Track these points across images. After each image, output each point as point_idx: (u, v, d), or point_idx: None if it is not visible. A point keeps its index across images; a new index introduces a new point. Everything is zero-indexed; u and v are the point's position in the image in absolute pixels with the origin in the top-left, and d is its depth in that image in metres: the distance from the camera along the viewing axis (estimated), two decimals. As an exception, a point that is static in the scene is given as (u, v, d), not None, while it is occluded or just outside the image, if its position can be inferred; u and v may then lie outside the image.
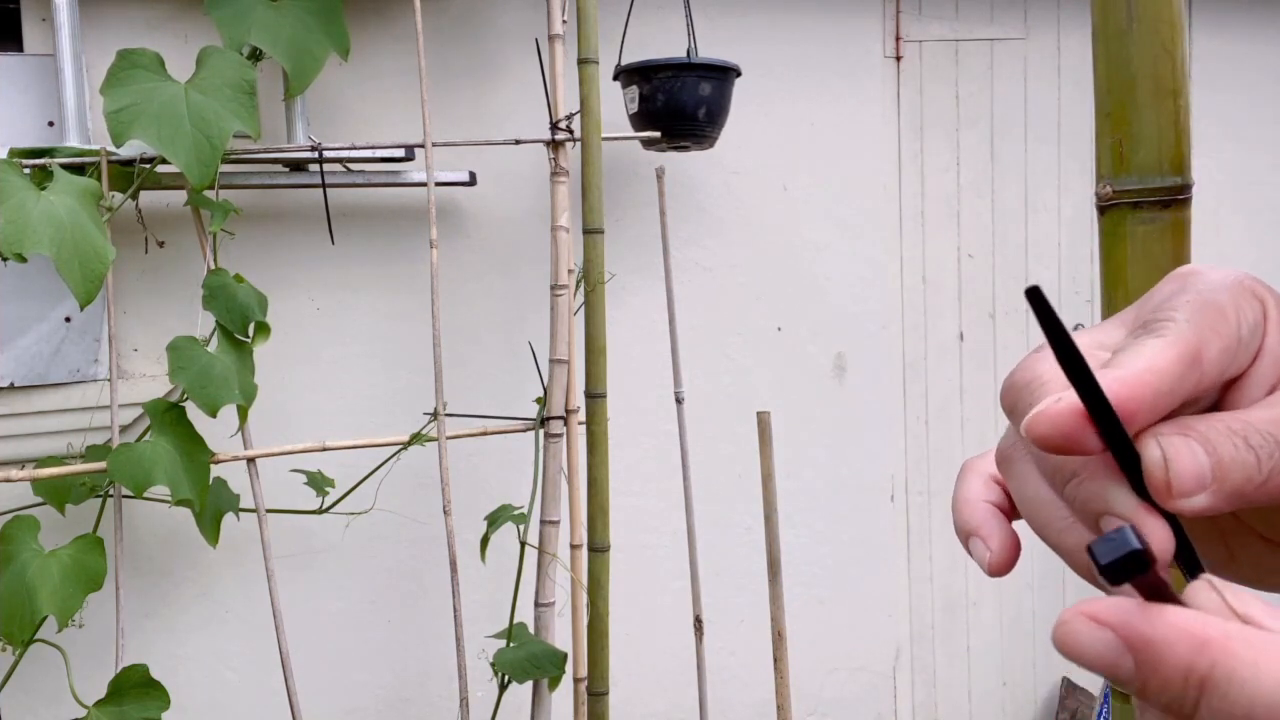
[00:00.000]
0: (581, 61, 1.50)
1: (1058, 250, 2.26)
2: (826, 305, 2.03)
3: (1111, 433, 0.25)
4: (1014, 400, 0.29)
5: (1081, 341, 0.30)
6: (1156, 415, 0.26)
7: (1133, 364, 0.26)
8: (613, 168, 1.80)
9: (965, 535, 0.31)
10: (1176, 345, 0.27)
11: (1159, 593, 0.24)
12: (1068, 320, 2.27)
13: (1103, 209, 0.66)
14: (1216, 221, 2.35)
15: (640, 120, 1.69)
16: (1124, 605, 0.24)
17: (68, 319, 1.51)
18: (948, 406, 2.19)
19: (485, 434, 1.61)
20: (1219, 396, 0.29)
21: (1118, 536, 0.24)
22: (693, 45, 1.72)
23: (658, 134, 1.67)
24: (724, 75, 1.69)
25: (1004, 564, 0.30)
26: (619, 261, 1.78)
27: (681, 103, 1.65)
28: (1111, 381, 0.26)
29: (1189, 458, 0.25)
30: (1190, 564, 0.26)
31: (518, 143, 1.60)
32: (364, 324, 1.72)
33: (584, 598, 1.56)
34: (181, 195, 1.51)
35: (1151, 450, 0.26)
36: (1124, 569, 0.24)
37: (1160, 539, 0.25)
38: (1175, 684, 0.23)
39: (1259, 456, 0.26)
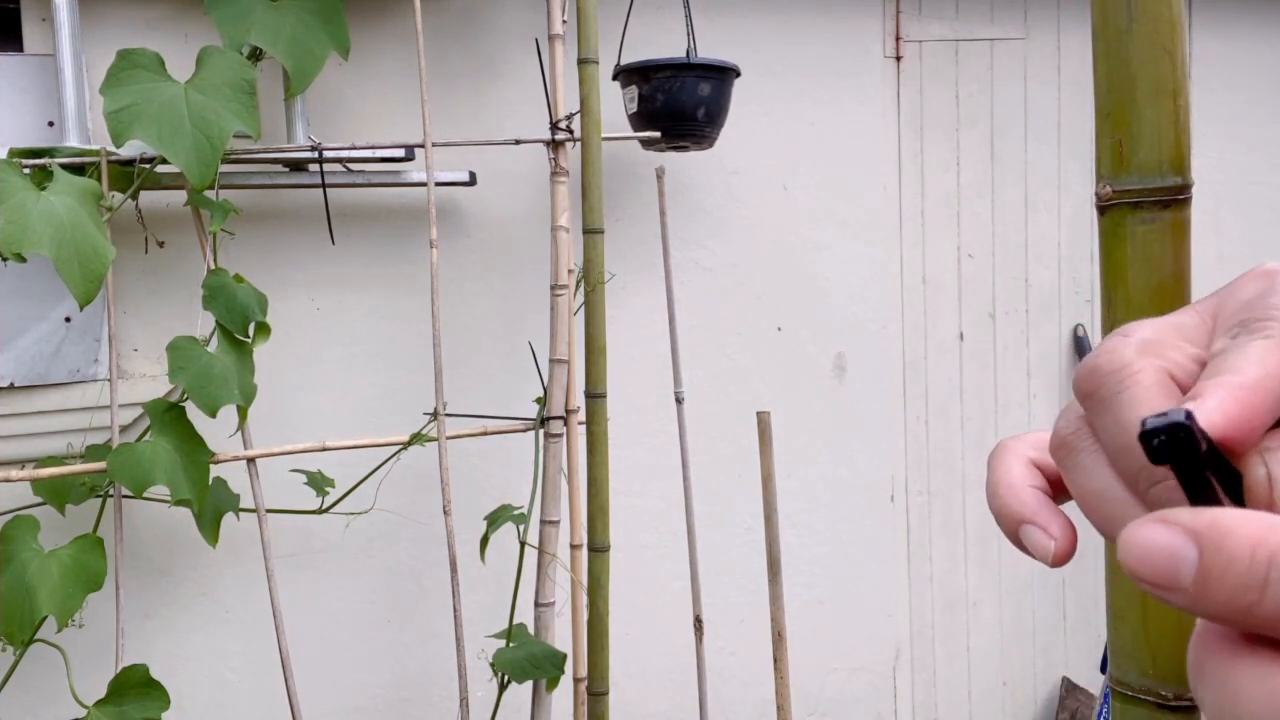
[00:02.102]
0: (581, 61, 1.50)
1: (1058, 250, 2.26)
2: (826, 305, 2.04)
3: (1210, 457, 0.24)
4: (1096, 386, 0.27)
5: (1162, 331, 0.29)
6: (1271, 422, 0.25)
7: (1245, 370, 0.25)
8: (613, 168, 1.80)
9: (1015, 523, 0.30)
10: None
11: (1203, 492, 0.23)
12: (1066, 320, 2.27)
13: (1103, 209, 0.66)
14: (1216, 221, 2.35)
15: (640, 120, 1.69)
16: (1190, 508, 0.23)
17: (68, 319, 1.51)
18: (948, 406, 2.19)
19: (485, 434, 1.61)
20: None
21: (1170, 412, 0.23)
22: (692, 45, 1.72)
23: (657, 134, 1.67)
24: (723, 75, 1.69)
25: (1069, 552, 0.29)
26: (619, 261, 1.78)
27: (681, 103, 1.65)
28: (1235, 394, 0.24)
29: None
30: None
31: (518, 143, 1.60)
32: (364, 324, 1.72)
33: (584, 598, 1.56)
34: (181, 195, 1.51)
35: (1256, 469, 0.24)
36: (1167, 444, 0.23)
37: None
38: (1242, 561, 0.21)
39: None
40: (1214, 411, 0.24)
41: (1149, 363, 0.27)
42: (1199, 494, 0.24)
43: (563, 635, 1.61)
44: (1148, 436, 0.23)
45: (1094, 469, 0.27)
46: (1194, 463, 0.23)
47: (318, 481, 1.56)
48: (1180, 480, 0.24)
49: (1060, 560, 0.29)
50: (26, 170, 1.33)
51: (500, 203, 1.78)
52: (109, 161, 1.40)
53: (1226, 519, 0.22)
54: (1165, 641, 0.63)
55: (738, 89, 1.74)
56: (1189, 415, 0.23)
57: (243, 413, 1.42)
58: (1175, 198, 0.64)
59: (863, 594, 2.11)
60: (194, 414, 1.38)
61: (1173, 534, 0.22)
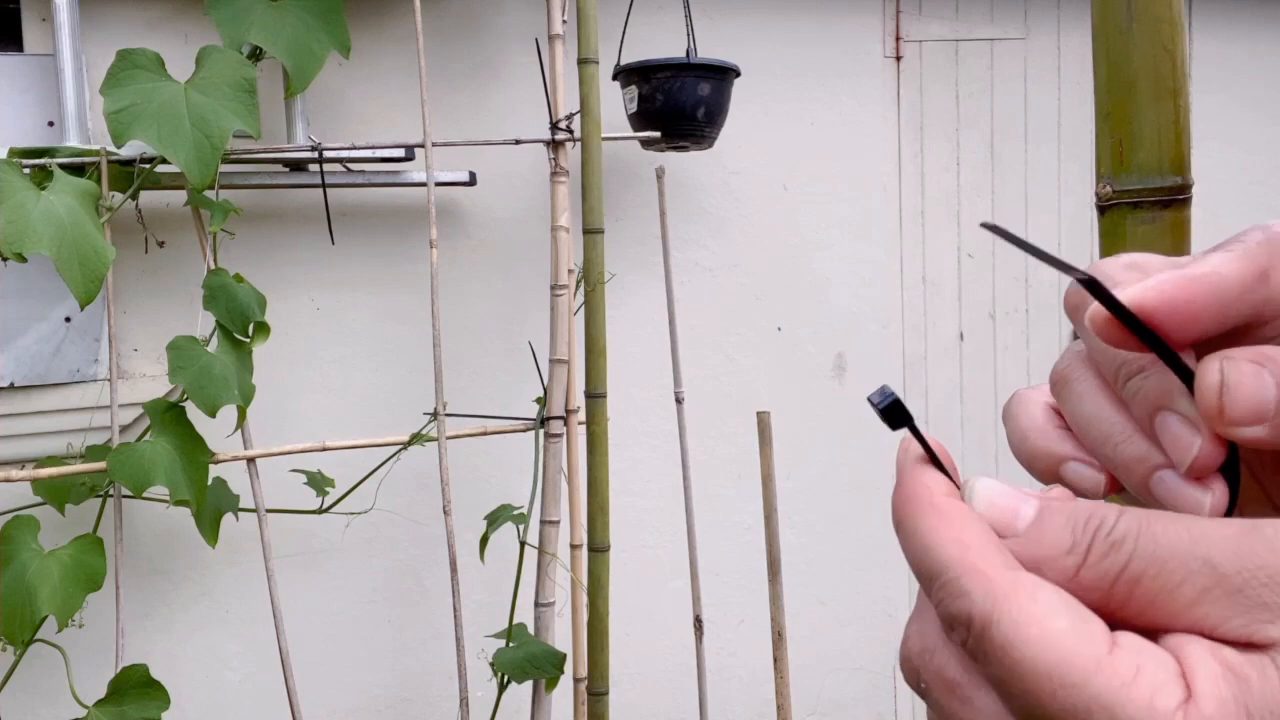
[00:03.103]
0: (581, 61, 1.50)
1: (1058, 250, 2.26)
2: (826, 305, 2.03)
3: (1168, 352, 0.26)
4: (1082, 299, 0.29)
5: (1151, 256, 0.29)
6: (1221, 321, 0.26)
7: (1195, 266, 0.26)
8: (613, 168, 1.80)
9: (1056, 462, 0.30)
10: (1244, 259, 0.26)
11: (929, 451, 0.27)
12: (1066, 320, 2.27)
13: (1103, 209, 0.66)
14: (1217, 221, 2.34)
15: (640, 120, 1.69)
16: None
17: (68, 319, 1.51)
18: (948, 406, 2.19)
19: (485, 434, 1.61)
20: None
21: (885, 390, 0.27)
22: (692, 45, 1.72)
23: (657, 134, 1.67)
24: (723, 75, 1.69)
25: (1115, 485, 0.29)
26: (619, 261, 1.78)
27: (681, 103, 1.65)
28: (1176, 277, 0.26)
29: (1253, 386, 0.25)
30: (1233, 482, 0.26)
31: (518, 143, 1.60)
32: (364, 324, 1.72)
33: (584, 598, 1.56)
34: (181, 195, 1.51)
35: (1210, 373, 0.25)
36: (890, 416, 0.27)
37: (1208, 454, 0.26)
38: (1066, 529, 0.25)
39: None
40: (1149, 289, 0.26)
41: (1133, 275, 0.28)
42: (929, 454, 0.27)
43: (563, 635, 1.61)
44: (879, 412, 0.27)
45: (1088, 394, 0.29)
46: (914, 430, 0.27)
47: (318, 481, 1.55)
48: (921, 445, 0.27)
49: (1108, 491, 0.29)
50: (26, 170, 1.33)
51: (500, 203, 1.78)
52: (109, 161, 1.40)
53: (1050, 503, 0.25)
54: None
55: (738, 89, 1.74)
56: (894, 396, 0.27)
57: (241, 413, 1.42)
58: (1175, 198, 0.64)
59: (863, 594, 2.11)
60: (194, 414, 1.38)
61: (1016, 494, 0.26)
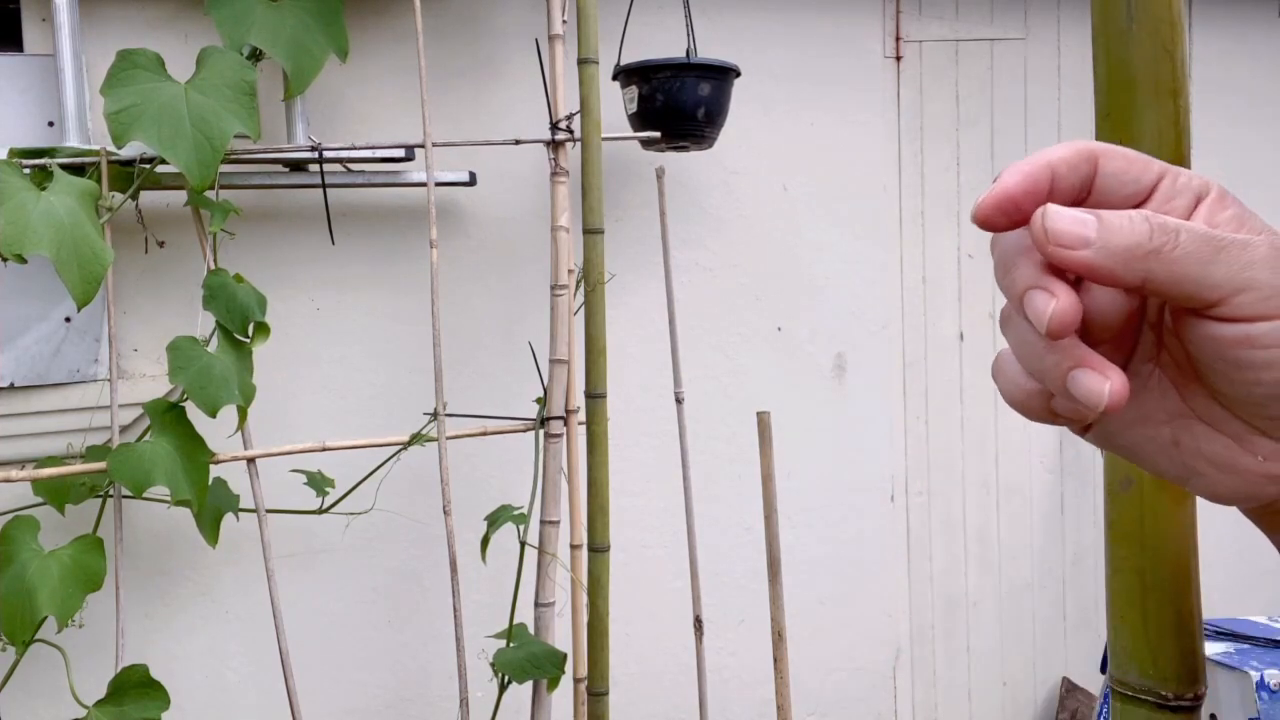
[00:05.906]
0: (581, 61, 1.50)
1: (1058, 250, 2.26)
2: (826, 305, 2.03)
3: None
4: (999, 257, 0.36)
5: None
6: (1053, 187, 0.34)
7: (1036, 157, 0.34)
8: (613, 168, 1.80)
9: (1044, 400, 0.36)
10: (1074, 146, 0.34)
11: None
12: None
13: (1103, 209, 0.66)
14: (1216, 221, 2.34)
15: (640, 120, 1.69)
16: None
17: (68, 319, 1.51)
18: (948, 406, 2.19)
19: (485, 434, 1.61)
20: None
21: None
22: (692, 45, 1.72)
23: (657, 134, 1.67)
24: (723, 75, 1.69)
25: (1123, 391, 0.33)
26: (619, 261, 1.78)
27: (681, 103, 1.65)
28: (1022, 163, 0.33)
29: (1069, 217, 0.32)
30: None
31: (518, 143, 1.60)
32: (364, 324, 1.72)
33: (584, 598, 1.56)
34: (181, 195, 1.51)
35: (1035, 215, 0.33)
36: None
37: (1062, 309, 0.32)
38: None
39: (1150, 226, 0.32)
40: (999, 186, 0.35)
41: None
42: None
43: (563, 635, 1.61)
44: None
45: (1019, 326, 0.35)
46: None
47: (318, 481, 1.55)
48: None
49: (1116, 399, 0.33)
50: (26, 170, 1.33)
51: (500, 203, 1.78)
52: (109, 162, 1.40)
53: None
54: (1165, 642, 0.63)
55: (737, 89, 1.74)
56: None
57: (242, 413, 1.42)
58: (1175, 198, 0.64)
59: (863, 594, 2.11)
60: (194, 414, 1.38)
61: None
